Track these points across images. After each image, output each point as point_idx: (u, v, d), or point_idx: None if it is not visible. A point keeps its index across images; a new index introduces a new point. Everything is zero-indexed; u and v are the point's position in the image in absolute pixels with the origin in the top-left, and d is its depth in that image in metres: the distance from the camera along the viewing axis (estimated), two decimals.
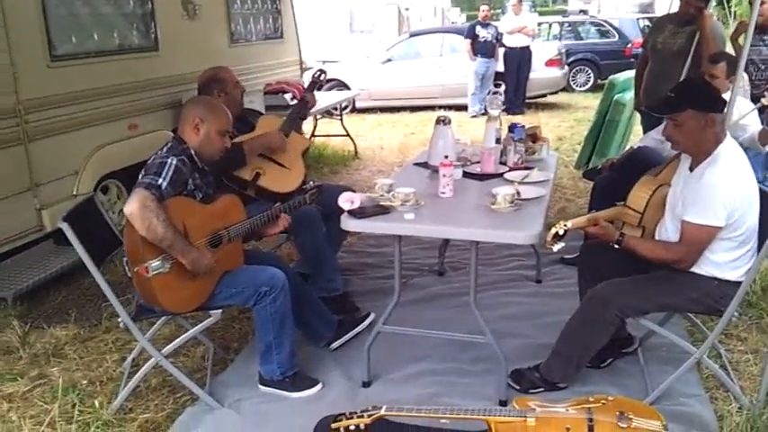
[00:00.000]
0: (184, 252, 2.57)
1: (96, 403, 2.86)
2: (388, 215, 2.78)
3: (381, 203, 2.86)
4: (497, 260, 4.44)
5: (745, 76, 4.60)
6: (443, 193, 3.03)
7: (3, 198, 3.96)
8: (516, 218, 2.74)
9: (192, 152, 2.79)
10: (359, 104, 11.40)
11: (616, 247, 2.65)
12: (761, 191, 2.67)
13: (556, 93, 12.14)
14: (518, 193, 2.98)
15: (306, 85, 4.26)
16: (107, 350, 3.36)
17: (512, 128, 3.64)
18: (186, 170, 2.69)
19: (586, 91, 13.30)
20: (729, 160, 2.56)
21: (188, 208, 2.68)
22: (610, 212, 2.92)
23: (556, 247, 2.55)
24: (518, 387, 2.90)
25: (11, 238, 4.07)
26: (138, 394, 2.95)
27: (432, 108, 10.95)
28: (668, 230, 2.71)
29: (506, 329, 3.43)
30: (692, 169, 2.67)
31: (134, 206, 2.46)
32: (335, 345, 3.27)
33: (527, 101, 11.17)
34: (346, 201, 2.80)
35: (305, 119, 4.21)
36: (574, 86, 13.65)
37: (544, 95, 11.78)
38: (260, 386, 2.96)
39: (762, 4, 4.23)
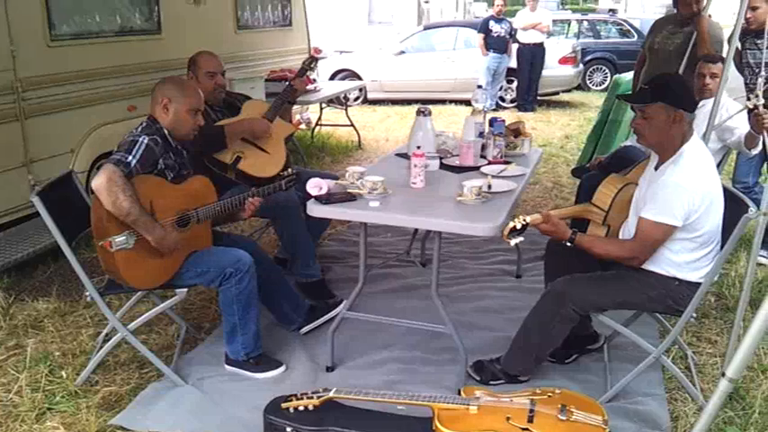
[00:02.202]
0: (149, 229, 2.62)
1: (64, 374, 2.95)
2: (353, 202, 2.82)
3: (349, 190, 2.90)
4: (482, 254, 4.47)
5: (741, 79, 4.57)
6: (414, 183, 3.05)
7: None
8: (479, 210, 2.76)
9: (166, 132, 2.84)
10: (370, 96, 11.44)
11: (568, 244, 2.65)
12: (727, 193, 2.67)
13: (569, 91, 12.07)
14: (489, 186, 3.00)
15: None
16: (84, 324, 3.45)
17: (492, 122, 3.66)
18: (158, 149, 2.75)
19: (603, 90, 13.18)
20: (693, 160, 2.56)
21: (156, 186, 2.73)
22: (573, 210, 2.93)
23: (513, 242, 2.56)
24: (478, 378, 2.92)
25: (4, 212, 4.17)
26: (107, 368, 3.03)
27: (443, 102, 10.96)
28: (631, 231, 2.71)
29: (478, 321, 3.48)
30: (657, 168, 2.68)
31: (101, 180, 2.52)
32: (305, 329, 3.31)
33: (539, 98, 11.13)
34: (314, 186, 2.84)
35: (294, 104, 4.22)
36: (590, 85, 13.57)
37: (557, 93, 11.72)
38: (225, 365, 3.02)
39: (754, 9, 4.18)
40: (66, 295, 3.76)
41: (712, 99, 3.73)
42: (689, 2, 4.49)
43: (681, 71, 4.52)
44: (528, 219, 2.56)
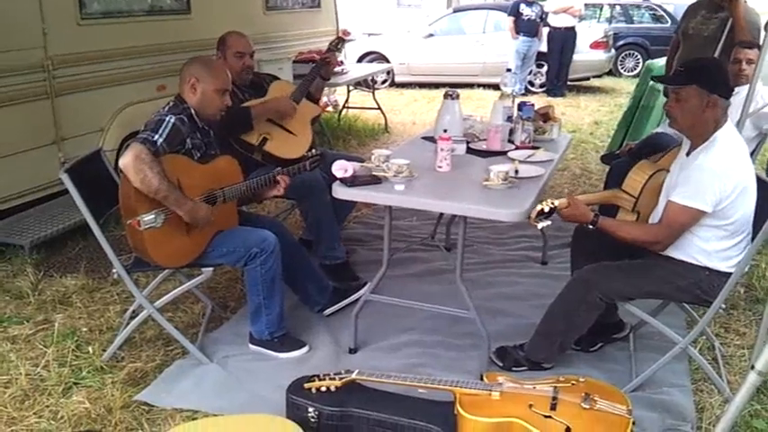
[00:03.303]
0: (179, 203, 2.63)
1: (91, 350, 2.99)
2: (378, 185, 2.80)
3: (375, 173, 2.88)
4: (507, 240, 4.44)
5: None
6: (440, 167, 3.03)
7: (28, 150, 4.11)
8: (506, 195, 2.73)
9: (193, 111, 2.85)
10: (398, 79, 11.38)
11: (591, 228, 2.61)
12: (760, 182, 2.61)
13: (600, 76, 11.91)
14: (516, 171, 2.97)
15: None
16: (111, 301, 3.49)
17: (520, 106, 3.61)
18: (185, 129, 2.75)
19: (634, 76, 12.94)
20: (726, 146, 2.50)
21: (184, 166, 2.74)
22: (602, 195, 2.89)
23: (540, 225, 2.53)
24: (501, 364, 2.91)
25: (34, 188, 4.23)
26: (133, 344, 3.07)
27: (471, 86, 10.85)
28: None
29: (502, 307, 3.46)
30: (688, 154, 2.63)
31: (128, 158, 2.53)
32: (329, 311, 3.32)
33: (569, 83, 10.99)
34: (340, 168, 2.83)
35: (327, 79, 4.19)
36: (621, 71, 13.36)
37: (588, 78, 11.56)
38: (249, 345, 3.04)
39: None
40: (94, 272, 3.82)
41: (747, 86, 3.65)
42: None
43: (716, 56, 4.42)
44: (556, 202, 2.53)
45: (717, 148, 2.49)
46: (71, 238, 4.22)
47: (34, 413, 2.58)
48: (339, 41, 4.26)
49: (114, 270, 2.81)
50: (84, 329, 3.19)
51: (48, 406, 2.63)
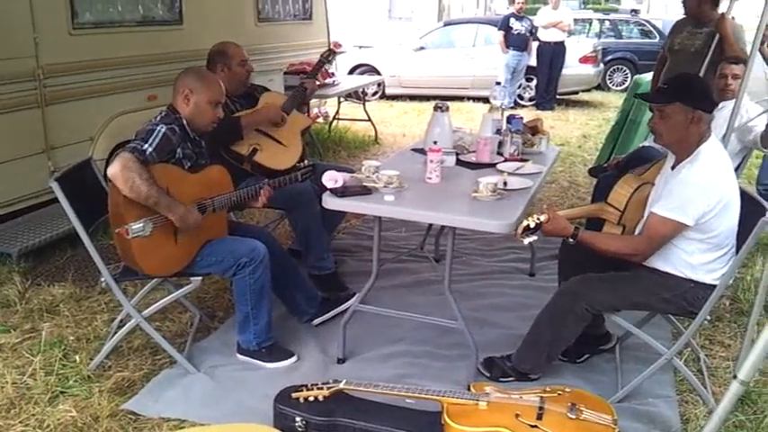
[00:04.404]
0: (171, 208, 2.63)
1: (78, 359, 2.98)
2: (368, 196, 2.82)
3: (365, 184, 2.90)
4: (496, 251, 4.46)
5: (761, 81, 4.52)
6: (429, 178, 3.05)
7: (17, 158, 4.11)
8: (494, 207, 2.76)
9: (185, 122, 2.86)
10: (389, 91, 11.43)
11: (572, 241, 2.64)
12: (745, 195, 2.65)
13: (589, 90, 12.01)
14: (505, 183, 2.99)
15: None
16: (99, 310, 3.48)
17: (509, 119, 3.65)
18: (175, 139, 2.76)
19: (623, 91, 13.07)
20: (710, 160, 2.54)
21: (173, 175, 2.75)
22: (587, 209, 2.92)
23: (526, 240, 2.56)
24: (489, 375, 2.92)
25: (23, 197, 4.22)
26: (120, 353, 3.06)
27: (461, 99, 10.92)
28: None
29: (490, 318, 3.48)
30: (673, 168, 2.66)
31: (116, 168, 2.53)
32: (317, 321, 3.33)
33: (558, 97, 11.08)
34: (330, 179, 2.85)
35: (306, 105, 4.24)
36: (610, 85, 13.47)
37: (576, 92, 11.66)
38: (237, 355, 3.04)
39: None
40: (82, 281, 3.81)
41: (733, 101, 3.70)
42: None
43: (702, 72, 4.48)
44: (542, 217, 2.56)
45: (701, 162, 2.52)
46: (59, 247, 4.21)
47: (20, 422, 2.57)
48: (330, 53, 4.30)
49: (102, 279, 2.82)
50: (72, 338, 3.18)
51: (34, 414, 2.62)
